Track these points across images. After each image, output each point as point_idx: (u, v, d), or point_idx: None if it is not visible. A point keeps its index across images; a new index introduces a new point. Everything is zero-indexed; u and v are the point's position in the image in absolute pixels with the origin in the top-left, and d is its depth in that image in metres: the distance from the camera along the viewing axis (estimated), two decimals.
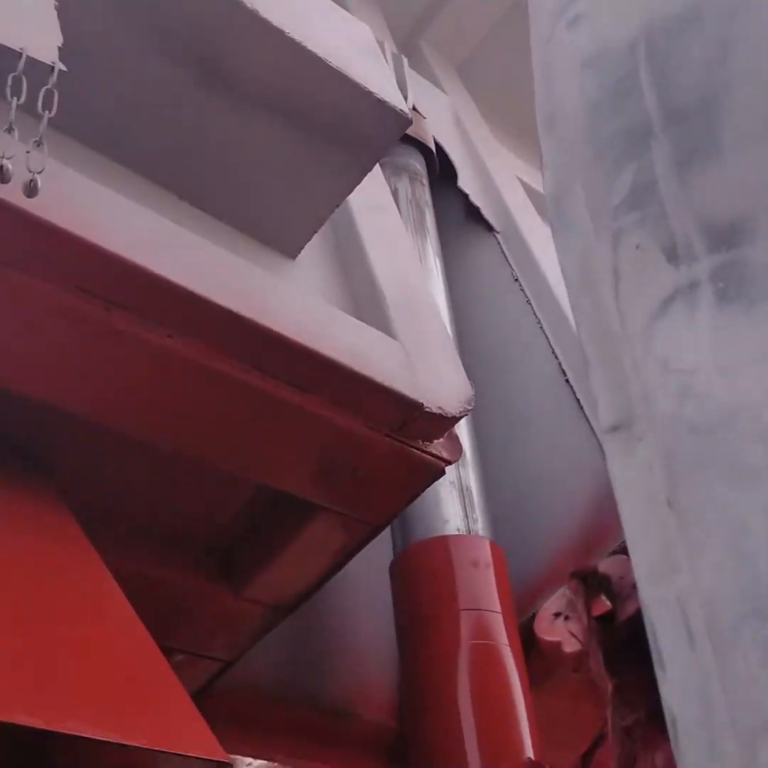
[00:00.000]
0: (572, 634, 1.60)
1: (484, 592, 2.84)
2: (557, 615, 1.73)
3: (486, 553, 2.93)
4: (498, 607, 2.82)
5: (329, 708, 3.04)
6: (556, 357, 3.34)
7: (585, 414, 3.17)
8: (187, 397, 1.95)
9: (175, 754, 1.33)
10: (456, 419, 2.24)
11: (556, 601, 1.74)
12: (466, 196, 3.96)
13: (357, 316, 2.27)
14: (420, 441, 2.24)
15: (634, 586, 1.52)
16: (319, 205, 2.33)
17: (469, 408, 2.29)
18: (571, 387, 3.25)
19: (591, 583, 1.66)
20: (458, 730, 2.62)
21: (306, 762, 3.02)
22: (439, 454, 2.27)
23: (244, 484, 2.28)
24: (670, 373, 1.13)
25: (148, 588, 2.32)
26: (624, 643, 1.59)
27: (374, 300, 2.39)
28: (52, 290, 1.71)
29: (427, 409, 2.17)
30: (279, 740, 2.95)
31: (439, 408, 2.20)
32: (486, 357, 3.53)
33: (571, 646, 1.63)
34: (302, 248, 2.39)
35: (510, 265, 3.70)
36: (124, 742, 1.26)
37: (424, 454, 2.24)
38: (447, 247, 3.81)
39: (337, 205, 2.36)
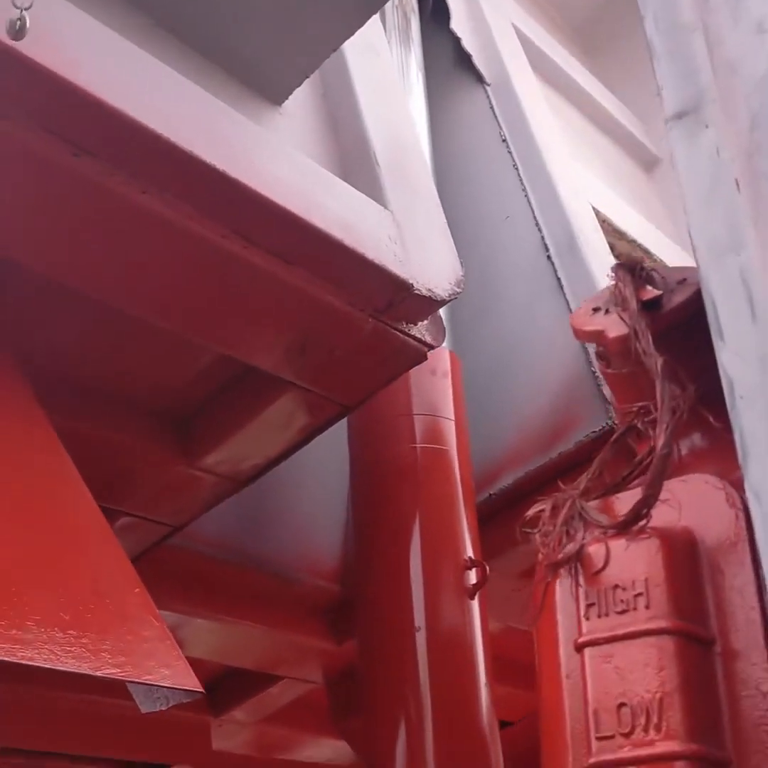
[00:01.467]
0: (620, 318, 1.58)
1: (439, 399, 2.80)
2: (596, 310, 1.67)
3: (445, 362, 2.85)
4: (452, 415, 2.80)
5: (274, 571, 2.99)
6: (540, 229, 3.16)
7: (564, 294, 3.03)
8: (160, 262, 1.75)
9: (145, 683, 1.22)
10: (444, 302, 2.08)
11: (594, 298, 1.68)
12: (457, 40, 3.64)
13: (345, 178, 2.05)
14: (404, 323, 2.08)
15: (679, 281, 1.61)
16: (316, 45, 2.06)
17: (459, 291, 2.13)
18: (552, 264, 3.09)
19: (638, 274, 1.64)
20: (405, 531, 2.64)
21: (249, 623, 2.99)
22: (422, 339, 2.12)
23: (208, 352, 2.11)
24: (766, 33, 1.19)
25: (97, 451, 2.18)
26: (670, 329, 1.60)
27: (365, 160, 2.16)
28: (15, 130, 1.46)
29: (417, 291, 2.00)
30: (221, 600, 2.91)
31: (429, 290, 2.03)
32: (463, 220, 3.31)
33: (616, 330, 1.62)
34: (289, 95, 2.14)
35: (498, 122, 3.45)
36: (93, 673, 1.14)
37: (407, 338, 2.08)
38: (432, 96, 3.52)
39: (335, 49, 2.10)
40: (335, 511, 3.13)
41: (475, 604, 2.61)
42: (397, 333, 2.06)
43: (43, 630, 1.14)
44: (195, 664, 1.43)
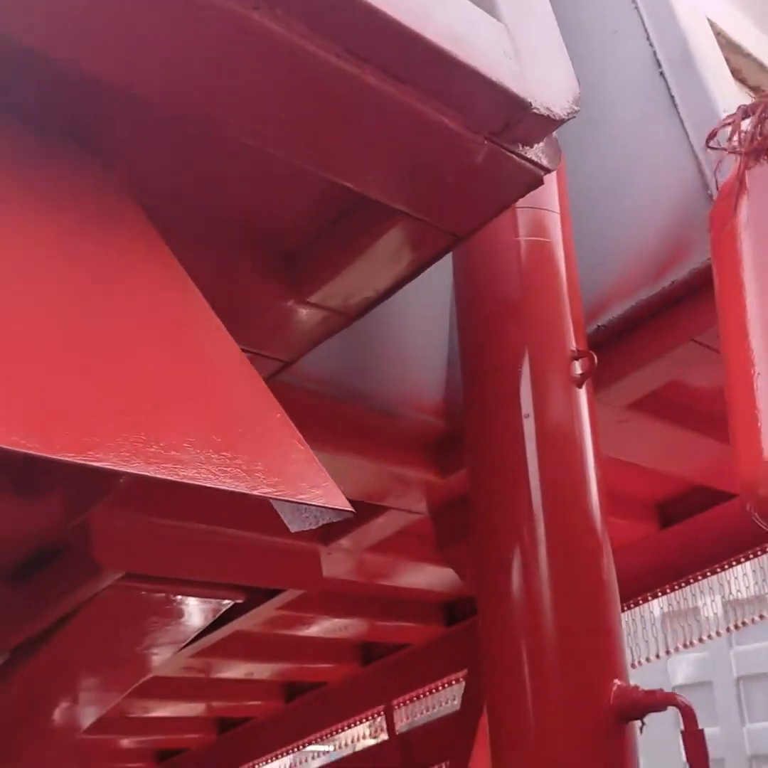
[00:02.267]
0: None
1: (543, 191, 2.61)
2: None
3: None
4: (557, 208, 2.74)
5: (379, 407, 3.02)
6: (651, 44, 2.95)
7: (678, 112, 2.85)
8: (272, 84, 1.67)
9: (299, 502, 1.24)
10: (562, 122, 1.97)
11: None
12: None
13: None
14: (520, 145, 1.98)
15: None
16: None
17: (576, 109, 2.01)
18: (665, 80, 2.89)
19: None
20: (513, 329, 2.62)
21: (357, 456, 3.04)
22: (538, 161, 2.02)
23: (318, 181, 2.04)
24: None
25: (209, 286, 2.17)
26: None
27: None
28: None
29: (535, 110, 1.89)
30: (329, 436, 2.95)
31: (547, 109, 1.92)
32: (567, 33, 3.10)
33: None
34: None
35: None
36: (250, 493, 1.16)
37: (522, 161, 1.99)
38: None
39: None
40: (438, 348, 3.11)
41: (582, 392, 2.57)
42: (513, 156, 1.97)
43: (199, 451, 1.16)
44: None
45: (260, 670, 4.99)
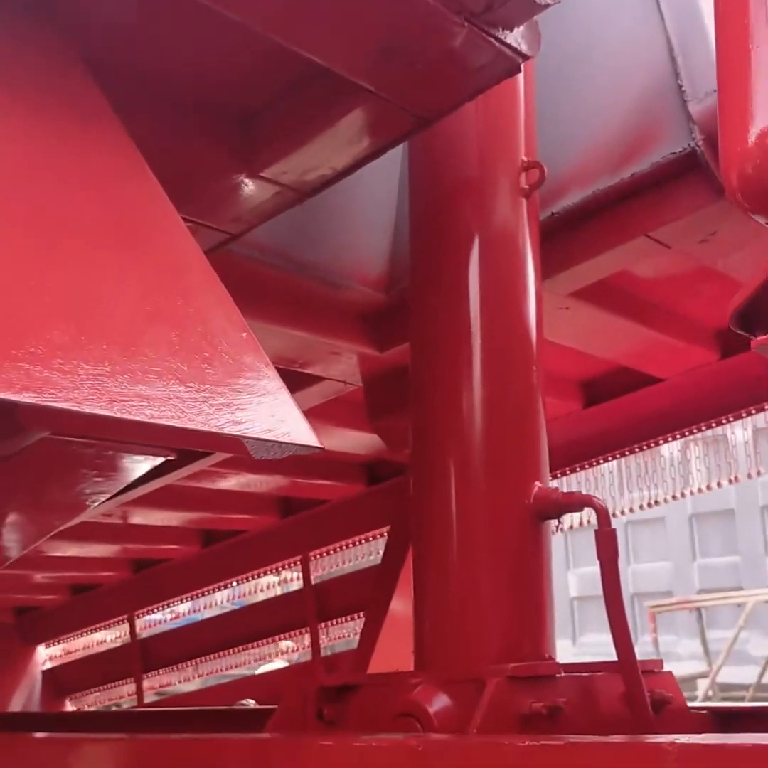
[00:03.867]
0: None
1: None
2: None
3: None
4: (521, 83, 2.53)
5: (321, 277, 2.94)
6: None
7: None
8: None
9: (267, 440, 1.18)
10: (548, 6, 1.85)
11: None
12: None
13: None
14: (500, 29, 1.86)
15: None
16: None
17: None
18: None
19: None
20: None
21: (296, 328, 2.98)
22: (518, 48, 1.90)
23: (283, 53, 1.90)
24: None
25: (157, 154, 2.03)
26: None
27: None
28: None
29: None
30: (270, 306, 2.87)
31: None
32: None
33: None
34: None
35: None
36: (218, 431, 1.09)
37: (501, 47, 1.87)
38: None
39: None
40: (385, 219, 3.02)
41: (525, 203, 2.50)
42: (492, 40, 1.85)
43: (164, 384, 1.08)
44: None
45: (179, 519, 5.04)
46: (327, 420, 3.91)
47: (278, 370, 3.23)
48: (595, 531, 2.25)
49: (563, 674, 2.14)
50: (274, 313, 2.88)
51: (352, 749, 1.61)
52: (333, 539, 5.02)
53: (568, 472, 4.27)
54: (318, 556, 5.08)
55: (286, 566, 5.28)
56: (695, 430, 3.96)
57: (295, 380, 3.40)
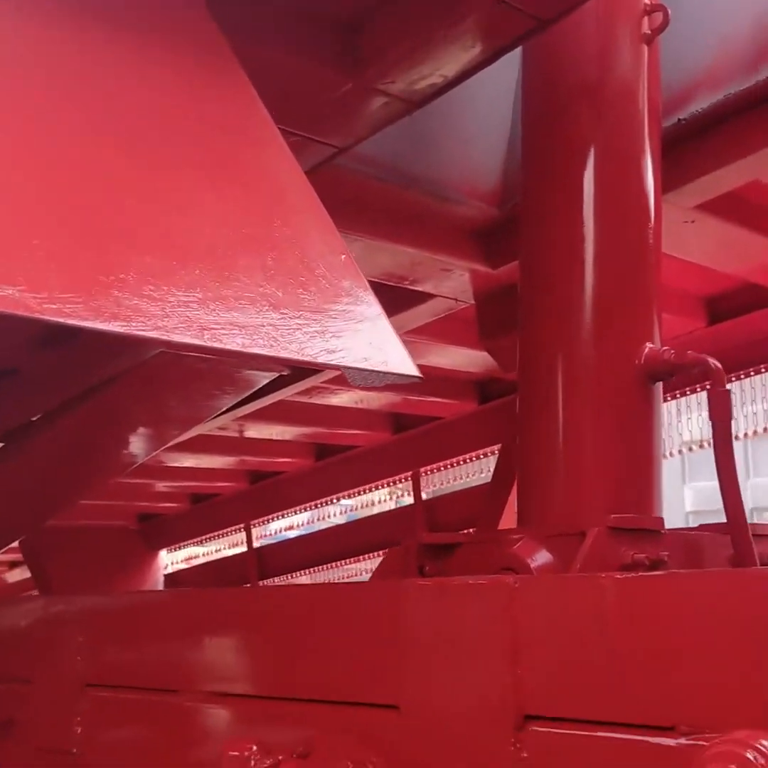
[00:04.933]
0: None
1: None
2: None
3: None
4: None
5: (433, 191, 2.85)
6: None
7: None
8: None
9: (365, 369, 1.14)
10: None
11: None
12: None
13: None
14: None
15: None
16: None
17: None
18: None
19: None
20: None
21: (407, 245, 2.91)
22: None
23: None
24: None
25: (260, 68, 1.96)
26: None
27: None
28: None
29: None
30: (380, 220, 2.81)
31: None
32: None
33: None
34: None
35: None
36: (313, 360, 1.05)
37: None
38: None
39: None
40: (499, 130, 2.89)
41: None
42: None
43: (257, 310, 1.04)
44: None
45: (292, 433, 5.10)
46: (439, 337, 3.85)
47: (388, 287, 3.21)
48: (708, 391, 2.21)
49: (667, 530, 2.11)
50: (383, 229, 2.81)
51: (450, 588, 1.60)
52: (444, 456, 5.00)
53: (687, 392, 4.12)
54: (429, 473, 5.08)
55: (398, 482, 5.30)
56: None
57: (405, 297, 3.35)
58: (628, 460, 2.23)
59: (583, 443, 2.23)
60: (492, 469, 4.54)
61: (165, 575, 6.53)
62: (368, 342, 1.19)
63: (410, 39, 1.95)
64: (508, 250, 3.00)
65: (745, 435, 4.25)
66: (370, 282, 3.21)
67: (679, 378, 2.48)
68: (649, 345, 2.27)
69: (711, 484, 2.19)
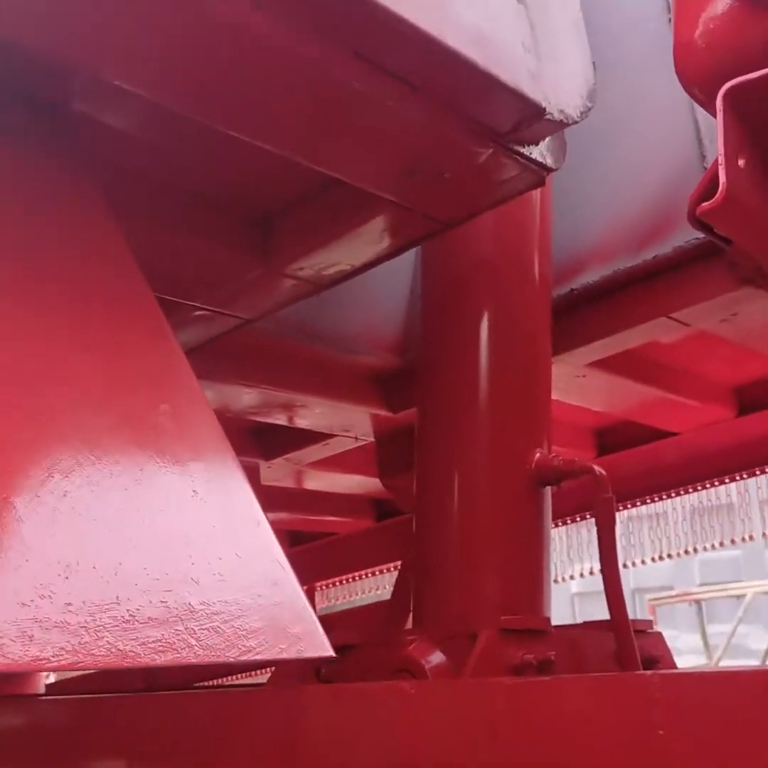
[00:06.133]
0: None
1: None
2: None
3: None
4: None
5: (338, 344, 2.92)
6: None
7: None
8: (270, 85, 1.48)
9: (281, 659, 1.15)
10: (575, 123, 1.82)
11: None
12: None
13: None
14: (525, 145, 1.83)
15: None
16: None
17: (590, 106, 1.86)
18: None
19: None
20: None
21: (310, 394, 2.96)
22: (543, 162, 1.87)
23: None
24: None
25: (176, 251, 2.02)
26: None
27: None
28: None
29: (548, 117, 1.73)
30: (284, 374, 2.86)
31: (561, 112, 1.76)
32: None
33: None
34: None
35: None
36: (233, 661, 1.06)
37: (527, 162, 1.84)
38: None
39: None
40: (400, 285, 2.99)
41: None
42: (517, 157, 1.82)
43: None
44: None
45: None
46: (339, 467, 3.90)
47: (289, 428, 3.24)
48: (593, 497, 2.30)
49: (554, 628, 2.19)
50: (288, 380, 2.87)
51: (347, 694, 1.62)
52: (340, 571, 5.01)
53: (578, 519, 4.25)
54: (325, 588, 5.07)
55: None
56: (708, 485, 3.93)
57: (308, 435, 3.40)
58: (518, 562, 2.32)
59: (475, 545, 2.31)
60: (389, 586, 4.57)
61: (47, 685, 6.27)
62: (287, 630, 1.22)
63: (320, 235, 2.02)
64: (408, 396, 3.08)
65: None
66: (267, 425, 3.22)
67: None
68: (539, 451, 2.39)
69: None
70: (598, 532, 2.25)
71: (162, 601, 1.07)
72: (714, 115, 1.30)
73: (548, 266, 2.64)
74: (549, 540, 2.44)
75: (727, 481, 3.88)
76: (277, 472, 3.74)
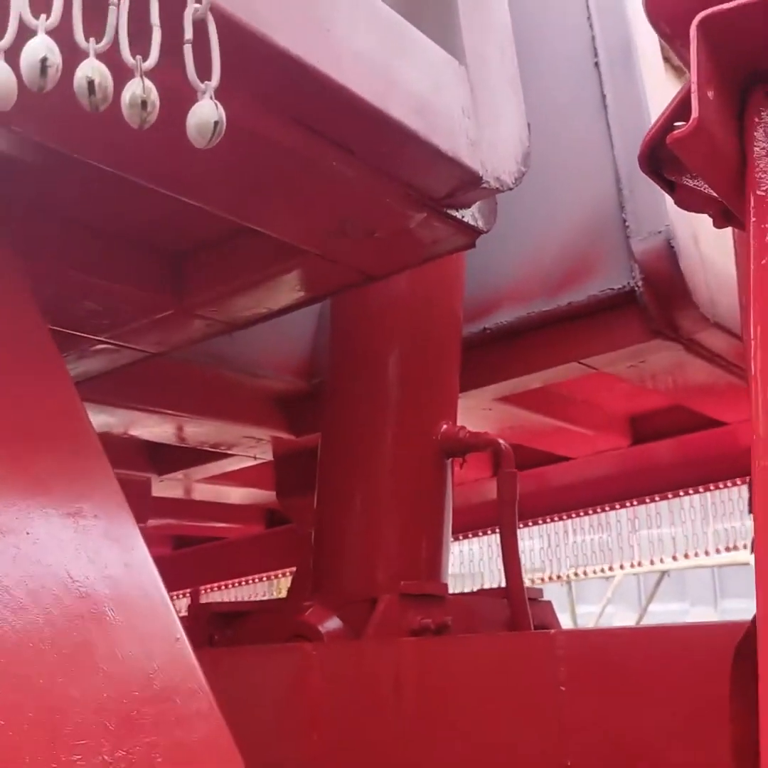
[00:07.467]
0: None
1: None
2: None
3: None
4: None
5: (242, 369, 2.83)
6: (592, 27, 2.70)
7: (607, 112, 2.65)
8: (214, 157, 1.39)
9: None
10: (509, 190, 1.77)
11: None
12: None
13: (415, 19, 1.60)
14: (457, 209, 1.78)
15: None
16: None
17: (524, 171, 1.82)
18: (599, 72, 2.66)
19: None
20: None
21: (210, 418, 2.87)
22: (474, 225, 1.82)
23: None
24: None
25: (83, 290, 1.90)
26: None
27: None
28: None
29: (484, 185, 1.68)
30: (189, 398, 2.76)
31: (497, 180, 1.71)
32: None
33: None
34: None
35: None
36: None
37: (459, 225, 1.79)
38: None
39: None
40: (308, 309, 2.92)
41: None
42: (448, 221, 1.77)
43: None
44: None
45: None
46: (235, 480, 3.81)
47: (193, 449, 3.15)
48: (497, 471, 2.42)
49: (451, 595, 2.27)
50: (194, 406, 2.78)
51: (246, 656, 1.67)
52: (227, 576, 4.93)
53: (479, 534, 4.28)
54: (210, 590, 4.98)
55: (178, 597, 5.15)
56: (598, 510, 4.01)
57: (206, 453, 3.30)
58: (418, 529, 2.35)
59: (377, 513, 2.33)
60: (278, 592, 4.52)
61: None
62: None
63: (236, 280, 1.93)
64: (312, 420, 3.01)
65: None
66: (177, 448, 3.10)
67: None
68: (445, 423, 2.42)
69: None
70: (500, 505, 2.33)
71: None
72: (678, 51, 1.29)
73: (460, 305, 2.63)
74: (450, 508, 2.46)
75: (617, 507, 3.96)
76: (171, 484, 3.63)
